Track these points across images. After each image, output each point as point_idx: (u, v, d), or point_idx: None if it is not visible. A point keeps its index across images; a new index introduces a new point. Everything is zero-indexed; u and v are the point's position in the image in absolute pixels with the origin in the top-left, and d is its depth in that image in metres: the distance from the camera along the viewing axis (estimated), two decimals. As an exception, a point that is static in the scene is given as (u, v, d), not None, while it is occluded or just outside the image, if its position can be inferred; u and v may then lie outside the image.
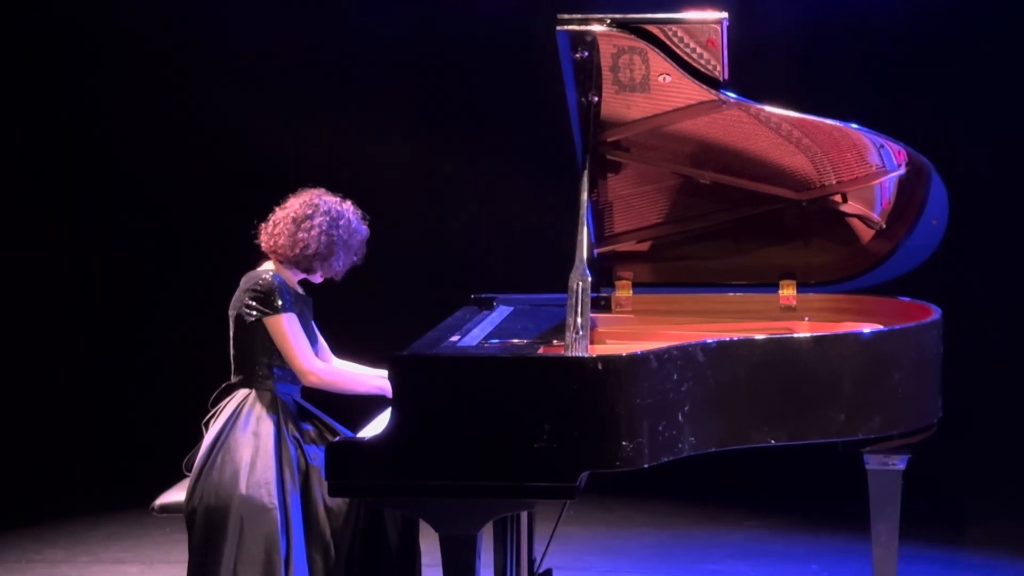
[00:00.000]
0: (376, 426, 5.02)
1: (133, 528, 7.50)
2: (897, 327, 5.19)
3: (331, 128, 8.50)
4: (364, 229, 5.38)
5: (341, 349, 5.57)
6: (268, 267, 5.30)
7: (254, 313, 5.18)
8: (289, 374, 5.23)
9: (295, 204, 5.30)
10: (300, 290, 5.35)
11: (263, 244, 5.30)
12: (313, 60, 8.52)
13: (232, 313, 5.25)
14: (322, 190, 5.36)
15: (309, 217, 5.25)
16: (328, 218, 5.26)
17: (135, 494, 6.75)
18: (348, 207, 5.35)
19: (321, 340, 5.46)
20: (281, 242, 5.26)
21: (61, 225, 8.71)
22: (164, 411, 8.42)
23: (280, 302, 5.17)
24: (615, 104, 5.38)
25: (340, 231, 5.27)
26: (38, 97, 8.66)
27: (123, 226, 8.69)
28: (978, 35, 8.06)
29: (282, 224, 5.28)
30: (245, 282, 5.25)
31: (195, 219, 8.63)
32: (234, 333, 5.26)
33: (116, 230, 8.70)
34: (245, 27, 8.52)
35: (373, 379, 5.32)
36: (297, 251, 5.24)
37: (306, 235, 5.23)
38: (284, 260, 5.27)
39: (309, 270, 5.29)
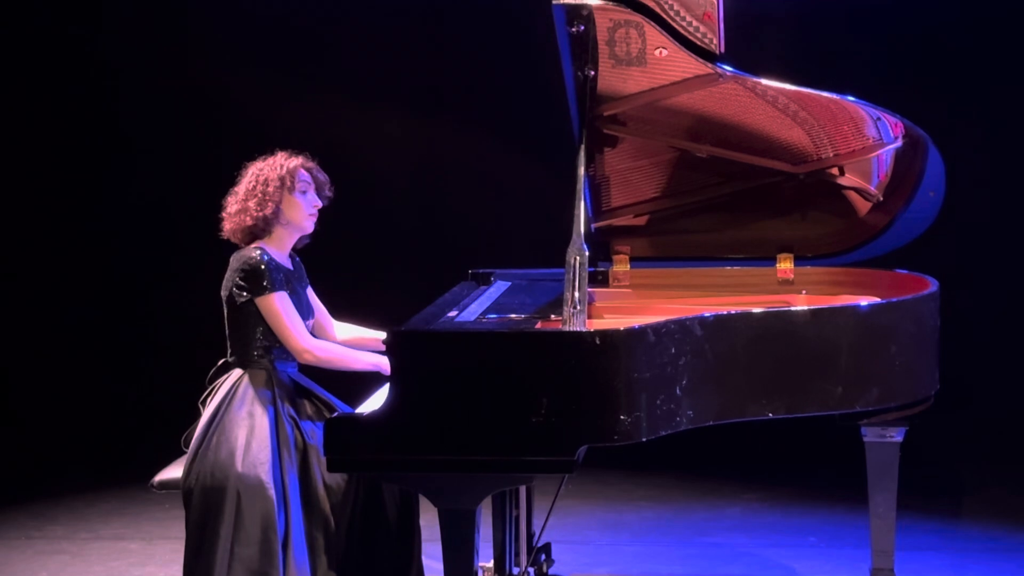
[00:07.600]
0: (374, 401, 5.03)
1: (133, 504, 7.50)
2: (894, 300, 5.20)
3: (327, 104, 8.48)
4: (292, 163, 5.25)
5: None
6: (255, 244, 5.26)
7: (244, 294, 5.14)
8: (285, 351, 5.21)
9: (233, 199, 5.29)
10: (291, 264, 5.29)
11: (227, 233, 5.28)
12: (307, 34, 8.50)
13: (223, 294, 5.21)
14: (256, 162, 5.31)
15: (243, 199, 5.22)
16: (255, 187, 5.21)
17: (134, 470, 6.76)
18: (267, 162, 5.26)
19: (321, 309, 5.42)
20: (232, 228, 5.24)
21: (63, 200, 8.71)
22: (163, 387, 8.42)
23: (269, 281, 5.13)
24: (612, 78, 5.38)
25: (264, 187, 5.19)
26: (39, 80, 8.65)
27: (124, 201, 8.68)
28: (976, 9, 8.04)
29: (228, 211, 5.27)
30: (234, 262, 5.20)
31: (193, 195, 8.60)
32: (227, 314, 5.22)
33: (117, 204, 8.69)
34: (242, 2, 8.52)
35: (370, 356, 5.28)
36: (249, 224, 5.20)
37: (240, 214, 5.22)
38: (245, 239, 5.23)
39: (267, 231, 5.21)
